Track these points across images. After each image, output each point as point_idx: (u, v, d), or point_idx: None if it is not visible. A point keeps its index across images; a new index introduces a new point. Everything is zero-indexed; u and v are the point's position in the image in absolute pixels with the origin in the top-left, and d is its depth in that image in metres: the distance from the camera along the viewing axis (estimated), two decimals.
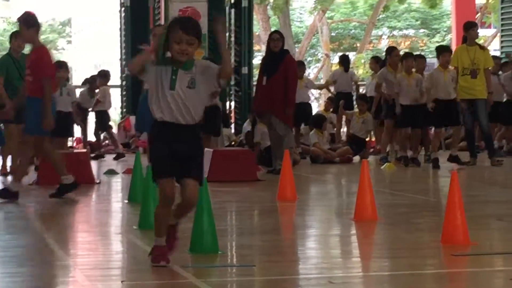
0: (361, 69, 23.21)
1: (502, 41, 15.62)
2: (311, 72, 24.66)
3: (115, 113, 16.20)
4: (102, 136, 12.75)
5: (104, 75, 12.67)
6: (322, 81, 19.61)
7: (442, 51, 10.44)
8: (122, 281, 3.83)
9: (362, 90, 13.66)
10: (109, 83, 12.83)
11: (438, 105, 9.88)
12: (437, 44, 19.03)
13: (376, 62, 12.31)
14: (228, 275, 4.49)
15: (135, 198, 6.44)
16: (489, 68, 10.31)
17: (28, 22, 7.08)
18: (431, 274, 4.23)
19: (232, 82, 13.74)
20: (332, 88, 13.45)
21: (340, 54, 18.09)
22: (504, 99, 11.95)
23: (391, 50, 11.33)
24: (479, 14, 22.03)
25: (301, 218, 6.78)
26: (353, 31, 27.32)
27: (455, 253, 4.45)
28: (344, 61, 13.11)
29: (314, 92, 16.68)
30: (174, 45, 3.75)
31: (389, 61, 10.67)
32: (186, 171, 3.92)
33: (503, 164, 10.35)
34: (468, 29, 10.38)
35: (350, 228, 5.84)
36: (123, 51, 14.02)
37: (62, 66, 10.16)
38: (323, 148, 11.13)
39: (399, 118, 10.16)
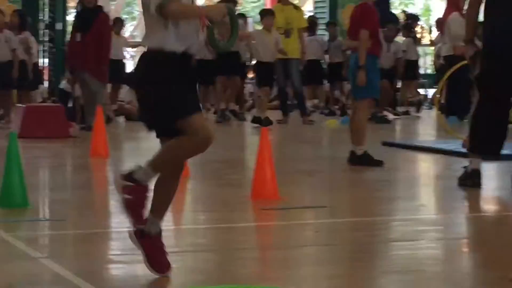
0: None
1: (315, 2, 16.57)
2: (126, 30, 25.11)
3: None
4: None
5: None
6: (139, 39, 19.67)
7: (265, 14, 10.94)
8: None
9: None
10: None
11: (260, 67, 10.69)
12: (253, 4, 19.82)
13: None
14: (38, 229, 4.53)
15: None
16: (302, 29, 11.00)
17: None
18: (241, 227, 4.52)
19: (46, 38, 13.74)
20: None
21: None
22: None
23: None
24: None
25: (114, 174, 6.94)
26: None
27: (264, 207, 4.82)
28: None
29: (129, 50, 16.86)
30: None
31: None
32: None
33: (314, 123, 11.25)
34: None
35: None
36: None
37: None
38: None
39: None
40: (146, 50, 3.24)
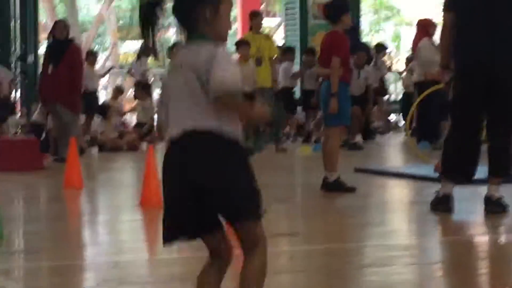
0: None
1: (286, 31, 16.82)
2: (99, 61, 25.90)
3: None
4: None
5: None
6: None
7: (241, 44, 11.11)
8: None
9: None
10: None
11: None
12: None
13: None
14: (13, 261, 4.57)
15: None
16: (274, 57, 11.22)
17: None
18: None
19: (18, 70, 14.00)
20: None
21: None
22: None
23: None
24: (264, 3, 23.43)
25: (88, 205, 7.08)
26: None
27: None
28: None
29: (103, 81, 17.27)
30: None
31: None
32: None
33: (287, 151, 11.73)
34: (253, 18, 11.20)
35: (136, 214, 6.21)
36: None
37: None
38: (110, 136, 11.71)
39: None
40: (198, 132, 2.81)
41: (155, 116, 13.11)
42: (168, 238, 2.71)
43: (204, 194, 2.65)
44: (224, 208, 2.70)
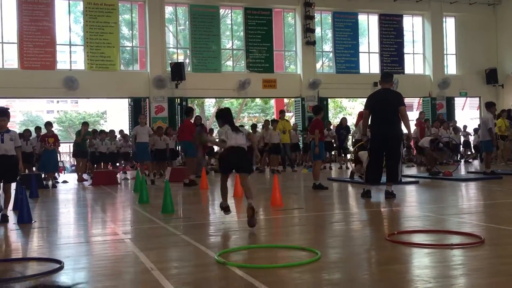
0: None
1: (295, 118, 27.65)
2: None
3: None
4: None
5: None
6: None
7: (273, 122, 20.57)
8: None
9: None
10: None
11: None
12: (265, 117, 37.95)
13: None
14: (179, 221, 8.08)
15: None
16: (290, 129, 20.39)
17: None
18: None
19: None
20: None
21: None
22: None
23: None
24: (286, 106, 37.71)
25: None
26: None
27: (277, 209, 10.14)
28: None
29: None
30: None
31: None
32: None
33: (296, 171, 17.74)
34: (281, 113, 20.60)
35: None
36: None
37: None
38: None
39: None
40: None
41: None
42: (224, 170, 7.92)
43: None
44: (242, 169, 7.70)
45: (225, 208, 8.07)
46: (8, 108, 9.28)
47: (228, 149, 7.61)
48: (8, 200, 9.16)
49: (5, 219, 8.97)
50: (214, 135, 19.48)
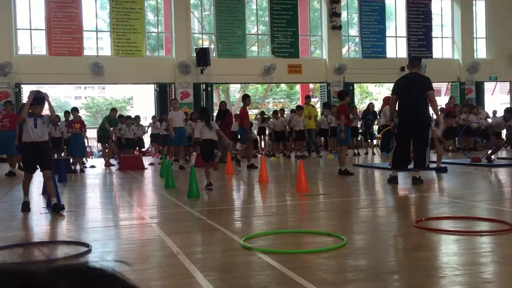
0: None
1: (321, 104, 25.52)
2: None
3: None
4: None
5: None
6: None
7: (298, 109, 19.53)
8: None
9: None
10: None
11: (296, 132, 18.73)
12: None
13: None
14: (203, 206, 8.65)
15: None
16: (315, 115, 19.67)
17: None
18: None
19: None
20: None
21: None
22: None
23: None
24: (311, 92, 37.97)
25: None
26: None
27: (302, 194, 10.26)
28: None
29: None
30: None
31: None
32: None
33: (321, 157, 17.96)
34: (306, 98, 19.80)
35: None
36: None
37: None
38: None
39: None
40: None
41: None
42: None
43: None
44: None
45: (208, 184, 10.70)
46: (46, 94, 9.20)
47: (202, 141, 10.62)
48: (51, 189, 8.71)
49: (57, 208, 8.58)
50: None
